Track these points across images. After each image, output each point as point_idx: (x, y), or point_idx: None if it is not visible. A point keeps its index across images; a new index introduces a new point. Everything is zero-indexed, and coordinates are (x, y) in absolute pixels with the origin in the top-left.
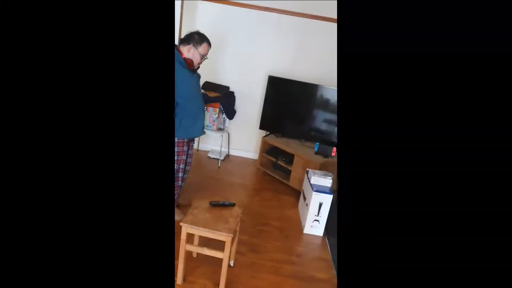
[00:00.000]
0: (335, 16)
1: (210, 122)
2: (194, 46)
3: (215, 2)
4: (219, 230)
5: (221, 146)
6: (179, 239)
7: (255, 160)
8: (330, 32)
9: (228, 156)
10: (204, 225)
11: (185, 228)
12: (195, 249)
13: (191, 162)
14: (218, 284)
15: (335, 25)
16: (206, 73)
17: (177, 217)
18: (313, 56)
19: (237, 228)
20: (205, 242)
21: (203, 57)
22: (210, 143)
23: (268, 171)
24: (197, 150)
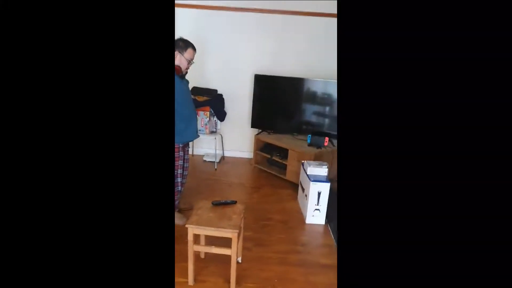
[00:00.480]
0: (311, 10)
1: (202, 126)
2: (180, 52)
3: (192, 8)
4: (224, 228)
5: (216, 149)
6: (184, 242)
7: (250, 159)
8: (308, 26)
9: (223, 158)
10: (209, 224)
11: (191, 229)
12: (203, 248)
13: (188, 166)
14: (228, 281)
15: (312, 18)
16: (193, 79)
17: (180, 222)
18: (295, 50)
19: (241, 225)
20: (211, 242)
21: (190, 62)
22: (204, 147)
23: (264, 168)
24: (192, 155)
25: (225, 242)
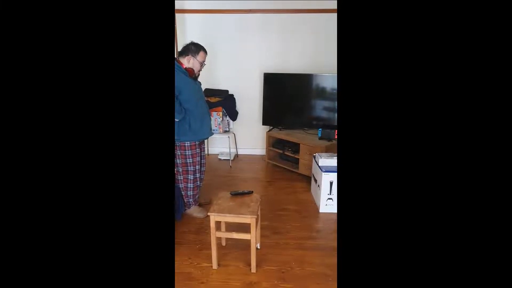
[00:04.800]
0: (314, 7)
1: (216, 126)
2: (192, 56)
3: (200, 13)
4: (244, 214)
5: (229, 147)
6: (206, 233)
7: (263, 155)
8: (312, 22)
9: (237, 155)
10: (230, 212)
11: (213, 217)
12: (224, 234)
13: (205, 162)
14: (249, 264)
15: (316, 15)
16: (204, 81)
17: (200, 215)
18: (301, 47)
19: (259, 212)
20: (231, 230)
21: (202, 64)
22: (219, 146)
23: (277, 163)
24: (208, 154)
25: (244, 229)
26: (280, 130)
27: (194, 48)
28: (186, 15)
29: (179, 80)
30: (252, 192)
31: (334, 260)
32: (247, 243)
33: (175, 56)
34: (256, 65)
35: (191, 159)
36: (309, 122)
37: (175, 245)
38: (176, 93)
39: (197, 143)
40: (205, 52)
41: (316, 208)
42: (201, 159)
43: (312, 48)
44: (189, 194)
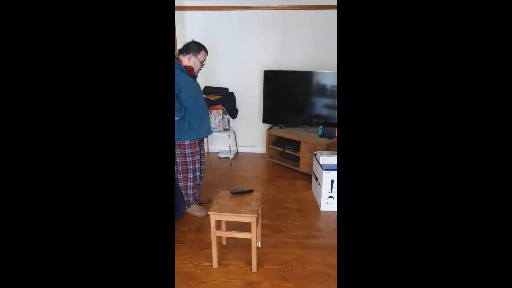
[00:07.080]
0: (314, 3)
1: (216, 124)
2: (193, 54)
3: (200, 10)
4: (244, 213)
5: (230, 145)
6: (206, 232)
7: (263, 153)
8: (312, 19)
9: (237, 154)
10: (230, 211)
11: (213, 216)
12: (225, 234)
13: (204, 161)
14: (250, 263)
15: (316, 12)
16: (203, 78)
17: (200, 213)
18: (301, 44)
19: (259, 211)
20: (232, 229)
21: (202, 63)
22: (219, 144)
23: (277, 161)
24: (208, 152)
25: (245, 228)
26: (281, 128)
27: (195, 47)
28: (186, 12)
29: (179, 78)
30: (253, 190)
31: (335, 259)
32: (247, 242)
33: (175, 54)
34: (256, 63)
35: (190, 158)
36: (309, 120)
37: (175, 244)
38: (176, 91)
39: (196, 141)
40: (206, 51)
41: (317, 206)
42: (200, 157)
43: (312, 45)
44: (189, 193)
